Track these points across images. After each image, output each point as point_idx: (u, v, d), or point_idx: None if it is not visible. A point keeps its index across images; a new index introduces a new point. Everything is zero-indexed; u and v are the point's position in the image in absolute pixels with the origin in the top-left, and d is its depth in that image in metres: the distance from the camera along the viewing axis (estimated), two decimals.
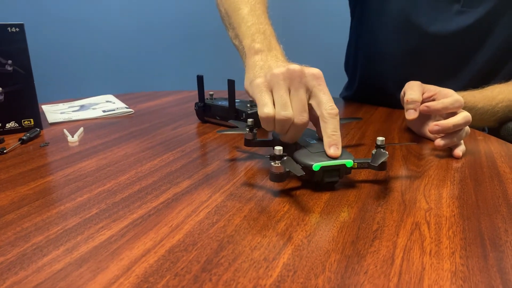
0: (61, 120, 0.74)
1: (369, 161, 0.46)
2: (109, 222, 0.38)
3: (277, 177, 0.43)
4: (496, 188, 0.47)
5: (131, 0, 1.87)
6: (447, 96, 0.58)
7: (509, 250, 0.34)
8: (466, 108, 0.68)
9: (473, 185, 0.48)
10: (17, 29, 0.63)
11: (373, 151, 0.47)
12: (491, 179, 0.49)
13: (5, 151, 0.57)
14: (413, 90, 0.60)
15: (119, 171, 0.51)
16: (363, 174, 0.50)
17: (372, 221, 0.39)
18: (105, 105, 0.85)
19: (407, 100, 0.59)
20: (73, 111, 0.80)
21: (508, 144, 0.63)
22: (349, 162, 0.45)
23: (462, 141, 0.58)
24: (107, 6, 1.85)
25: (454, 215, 0.40)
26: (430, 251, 0.34)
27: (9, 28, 0.62)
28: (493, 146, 0.62)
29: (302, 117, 0.45)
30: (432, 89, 0.60)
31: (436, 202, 0.43)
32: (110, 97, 0.92)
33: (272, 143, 0.54)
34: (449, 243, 0.35)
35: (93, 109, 0.82)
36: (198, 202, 0.42)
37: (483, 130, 0.88)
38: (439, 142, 0.56)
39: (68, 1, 1.82)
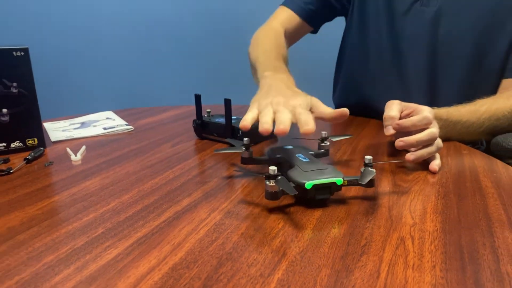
0: (64, 138, 0.76)
1: (358, 178, 0.49)
2: (115, 241, 0.41)
3: (272, 196, 0.46)
4: (478, 202, 0.50)
5: (127, 15, 1.90)
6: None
7: (485, 262, 0.37)
8: (452, 122, 0.72)
9: (456, 200, 0.51)
10: (22, 53, 0.66)
11: (362, 169, 0.50)
12: (473, 193, 0.53)
13: (11, 171, 0.60)
14: (391, 108, 0.63)
15: (122, 190, 0.54)
16: (353, 191, 0.53)
17: (361, 237, 0.42)
18: (105, 122, 0.88)
19: (384, 117, 0.63)
20: (74, 129, 0.83)
21: (492, 158, 0.67)
22: (339, 180, 0.48)
23: (437, 156, 0.62)
24: (103, 21, 1.89)
25: (437, 230, 0.43)
26: (413, 265, 0.37)
27: (14, 52, 0.65)
28: (477, 160, 0.65)
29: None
30: (410, 106, 0.64)
31: (420, 217, 0.46)
32: (110, 113, 0.95)
33: (267, 162, 0.57)
34: (430, 257, 0.38)
35: (94, 126, 0.85)
36: (197, 220, 0.45)
37: (481, 144, 0.91)
38: (409, 157, 0.60)
39: (66, 17, 1.85)
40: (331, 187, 0.48)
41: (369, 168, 0.49)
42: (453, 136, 0.74)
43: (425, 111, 0.62)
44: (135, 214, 0.47)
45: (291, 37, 0.99)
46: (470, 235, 0.42)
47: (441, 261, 0.38)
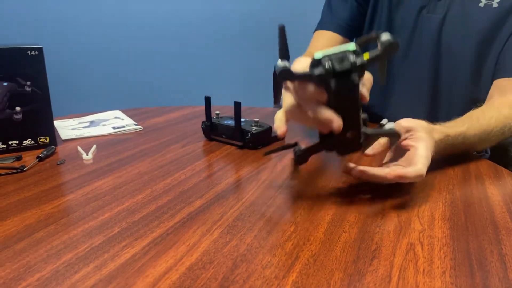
0: (74, 136, 0.77)
1: (379, 53, 0.44)
2: (131, 241, 0.42)
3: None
4: (484, 210, 0.51)
5: (135, 15, 1.91)
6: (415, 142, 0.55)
7: (494, 269, 0.39)
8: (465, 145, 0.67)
9: (463, 207, 0.52)
10: (36, 53, 0.67)
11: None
12: (479, 201, 0.54)
13: (25, 169, 0.61)
14: (374, 149, 0.55)
15: (135, 190, 0.54)
16: (361, 194, 0.54)
17: (371, 242, 0.43)
18: (114, 121, 0.88)
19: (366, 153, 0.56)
20: (83, 127, 0.84)
21: (497, 165, 0.68)
22: (352, 47, 0.42)
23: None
24: (112, 21, 1.90)
25: (445, 236, 0.44)
26: (423, 270, 0.38)
27: (29, 52, 0.66)
28: (482, 168, 0.66)
29: None
30: (408, 126, 0.57)
31: (429, 223, 0.47)
32: (119, 113, 0.96)
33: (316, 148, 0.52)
34: (440, 263, 0.39)
35: (103, 125, 0.86)
36: (211, 222, 0.46)
37: (485, 152, 0.92)
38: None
39: (72, 16, 1.86)
40: (347, 55, 0.42)
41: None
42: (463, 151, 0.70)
43: (419, 165, 0.52)
44: (150, 214, 0.48)
45: None
46: (477, 242, 0.43)
47: (451, 267, 0.39)
